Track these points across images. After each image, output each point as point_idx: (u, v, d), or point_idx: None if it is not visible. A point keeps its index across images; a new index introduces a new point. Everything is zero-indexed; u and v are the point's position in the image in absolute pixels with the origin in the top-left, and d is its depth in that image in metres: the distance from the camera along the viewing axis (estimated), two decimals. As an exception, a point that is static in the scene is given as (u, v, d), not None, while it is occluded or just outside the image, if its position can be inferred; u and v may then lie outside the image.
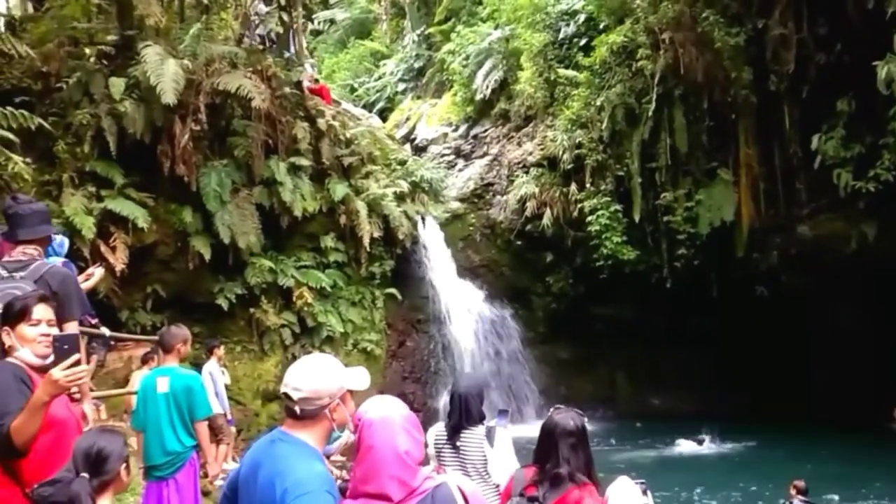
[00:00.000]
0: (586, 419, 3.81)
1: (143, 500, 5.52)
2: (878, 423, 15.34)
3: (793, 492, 10.48)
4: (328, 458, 12.53)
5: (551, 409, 3.85)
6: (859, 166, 14.09)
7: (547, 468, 3.54)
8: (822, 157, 14.50)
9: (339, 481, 8.86)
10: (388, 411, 2.39)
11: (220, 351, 10.30)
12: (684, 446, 15.67)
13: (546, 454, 3.57)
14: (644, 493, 4.27)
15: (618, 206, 17.66)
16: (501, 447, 4.50)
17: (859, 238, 15.20)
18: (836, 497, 11.19)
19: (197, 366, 12.71)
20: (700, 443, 15.44)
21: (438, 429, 4.70)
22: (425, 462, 3.68)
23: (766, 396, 16.62)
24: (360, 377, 2.62)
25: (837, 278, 15.77)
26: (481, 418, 4.62)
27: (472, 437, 4.50)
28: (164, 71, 12.44)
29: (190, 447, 5.55)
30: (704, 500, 11.67)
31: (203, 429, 5.64)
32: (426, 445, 2.48)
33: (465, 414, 4.53)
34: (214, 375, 9.62)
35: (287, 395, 2.46)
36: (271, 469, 2.37)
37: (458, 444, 4.49)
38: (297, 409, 2.44)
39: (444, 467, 4.30)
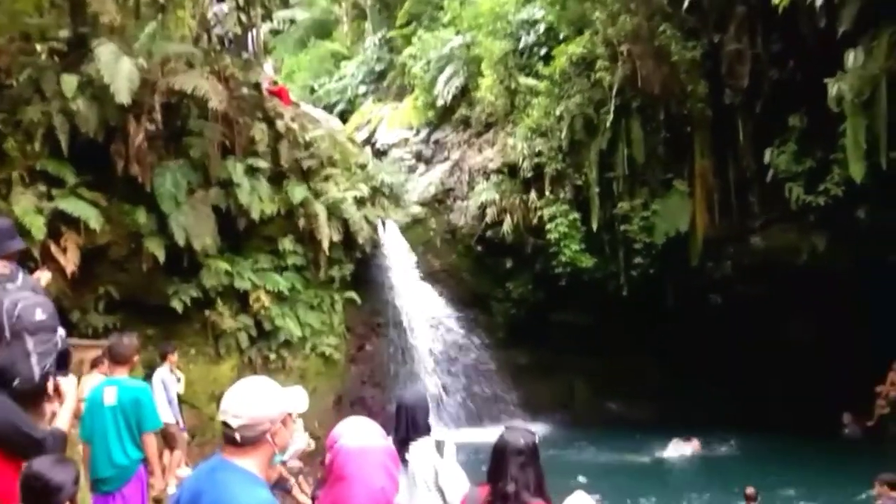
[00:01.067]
0: (537, 437, 3.85)
1: (89, 515, 5.42)
2: (830, 431, 15.80)
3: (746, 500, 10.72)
4: (283, 464, 12.41)
5: (504, 428, 3.89)
6: (810, 180, 14.40)
7: (498, 487, 3.59)
8: (774, 171, 14.80)
9: (290, 481, 8.72)
10: (367, 441, 2.33)
11: (175, 356, 10.13)
12: (674, 448, 15.76)
13: (497, 473, 3.60)
14: None
15: (576, 215, 17.82)
16: (450, 461, 4.50)
17: (810, 249, 15.56)
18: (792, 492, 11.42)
19: (150, 369, 12.56)
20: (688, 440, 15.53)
21: None
22: None
23: (722, 404, 16.87)
24: (299, 399, 2.60)
25: (789, 288, 16.11)
26: (428, 430, 4.61)
27: (422, 450, 4.49)
28: (118, 69, 12.20)
29: (137, 460, 5.43)
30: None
31: (151, 441, 5.53)
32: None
33: (411, 426, 4.52)
34: (167, 382, 9.46)
35: (226, 424, 2.40)
36: (213, 498, 2.32)
37: (406, 457, 4.47)
38: (237, 436, 2.38)
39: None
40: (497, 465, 3.60)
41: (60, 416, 3.54)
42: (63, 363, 3.66)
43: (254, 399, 2.42)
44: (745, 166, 15.83)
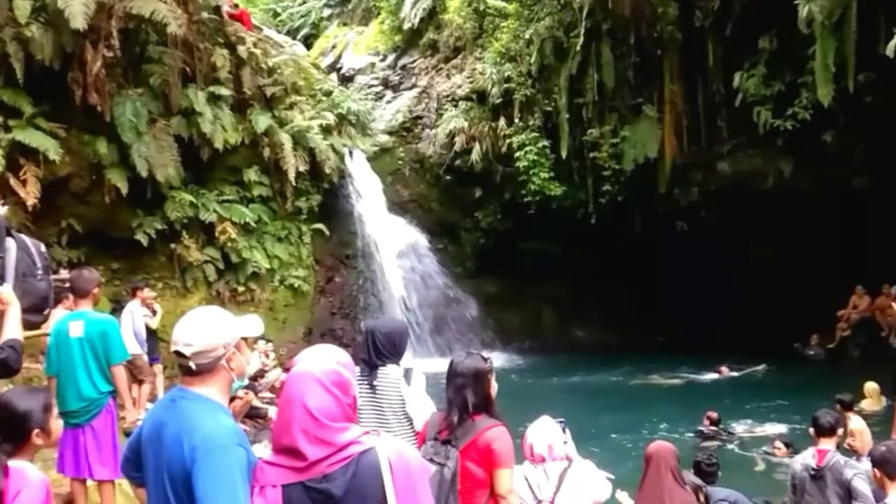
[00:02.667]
0: (492, 359, 4.00)
1: (59, 448, 5.35)
2: (794, 352, 16.25)
3: (706, 422, 11.07)
4: (257, 394, 12.50)
5: (460, 354, 4.00)
6: (778, 104, 14.42)
7: (451, 410, 3.70)
8: (743, 95, 14.79)
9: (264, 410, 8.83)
10: (309, 366, 2.30)
11: (145, 292, 10.01)
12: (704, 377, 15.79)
13: (450, 397, 3.74)
14: (563, 430, 4.45)
15: (545, 142, 17.73)
16: (418, 389, 4.52)
17: (776, 174, 15.70)
18: (749, 421, 11.77)
19: (116, 303, 12.43)
20: (720, 373, 15.60)
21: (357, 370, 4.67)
22: None
23: (687, 330, 17.22)
24: (252, 324, 2.57)
25: (754, 214, 16.31)
26: (395, 356, 4.59)
27: (389, 376, 4.48)
28: (72, -7, 11.67)
29: (106, 393, 5.38)
30: (622, 427, 12.07)
31: (120, 373, 5.47)
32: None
33: (373, 350, 4.50)
34: (135, 314, 9.37)
35: (179, 353, 2.36)
36: (176, 427, 2.29)
37: (374, 383, 4.46)
38: (192, 364, 2.35)
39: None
40: (448, 390, 3.77)
41: (10, 325, 3.49)
42: None
43: (204, 326, 2.39)
44: (715, 90, 15.79)
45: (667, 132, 16.63)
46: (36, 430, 2.98)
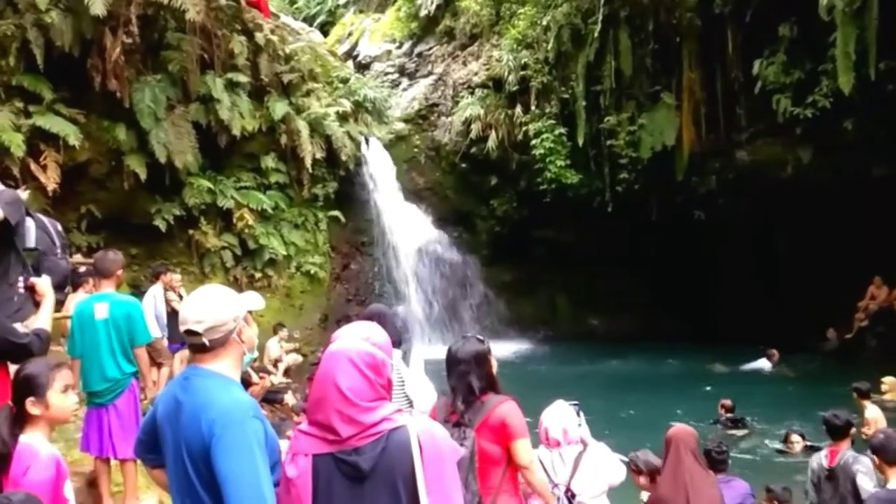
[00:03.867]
0: (489, 343, 4.06)
1: (84, 426, 5.46)
2: (811, 344, 16.12)
3: (721, 410, 11.08)
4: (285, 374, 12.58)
5: (457, 341, 4.07)
6: (798, 92, 14.30)
7: (456, 397, 3.78)
8: (762, 83, 14.68)
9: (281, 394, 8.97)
10: (343, 345, 2.33)
11: (168, 276, 10.09)
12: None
13: (453, 384, 3.84)
14: (577, 413, 4.49)
15: (562, 130, 17.65)
16: (416, 370, 4.58)
17: (795, 163, 15.59)
18: (764, 412, 11.73)
19: (135, 288, 12.55)
20: (770, 357, 15.37)
21: None
22: None
23: (701, 318, 17.17)
24: (255, 298, 2.63)
25: (773, 203, 16.21)
26: (397, 342, 4.65)
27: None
28: (91, -21, 11.74)
29: (130, 373, 5.46)
30: (639, 414, 12.08)
31: (143, 355, 5.55)
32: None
33: None
34: (157, 298, 9.46)
35: (190, 332, 2.40)
36: (193, 404, 2.33)
37: None
38: (204, 340, 2.39)
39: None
40: (449, 374, 3.87)
41: (41, 316, 3.58)
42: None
43: (213, 302, 2.43)
44: (734, 78, 15.66)
45: (685, 120, 16.53)
46: (31, 399, 2.99)
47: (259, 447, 2.25)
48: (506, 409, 3.73)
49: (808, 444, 9.48)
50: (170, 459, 2.41)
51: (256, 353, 6.28)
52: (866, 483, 5.37)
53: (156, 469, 2.61)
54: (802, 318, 15.36)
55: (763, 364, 15.31)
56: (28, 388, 2.99)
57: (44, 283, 3.71)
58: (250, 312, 2.57)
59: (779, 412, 11.63)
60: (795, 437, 9.87)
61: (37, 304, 3.66)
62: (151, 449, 2.55)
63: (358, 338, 2.39)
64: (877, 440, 5.00)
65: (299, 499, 2.23)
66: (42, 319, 3.56)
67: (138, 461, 5.50)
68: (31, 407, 2.99)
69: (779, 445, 10.09)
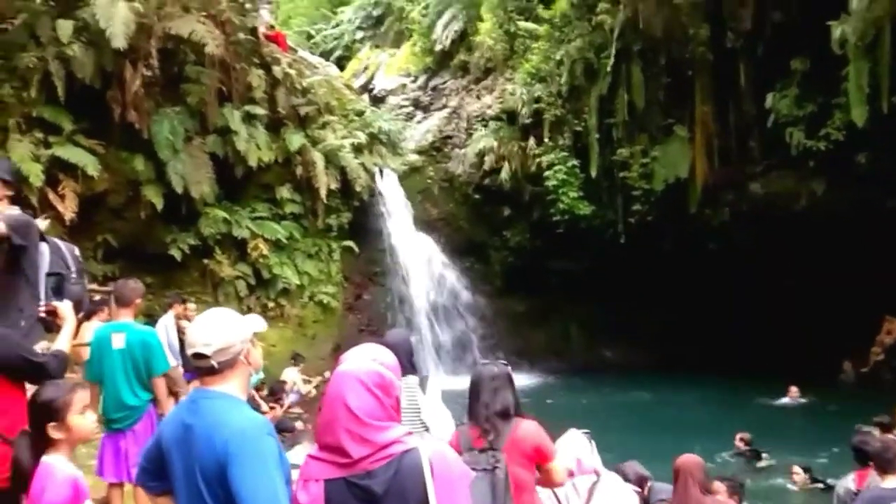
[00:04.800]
0: (510, 368, 3.97)
1: (100, 451, 5.48)
2: (827, 377, 15.91)
3: (740, 444, 10.99)
4: (288, 408, 12.61)
5: (483, 362, 4.04)
6: (811, 125, 14.34)
7: (475, 415, 3.70)
8: (775, 116, 14.73)
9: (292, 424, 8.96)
10: (351, 366, 2.34)
11: (181, 307, 10.14)
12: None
13: (474, 402, 3.75)
14: (589, 441, 4.47)
15: (575, 162, 17.75)
16: (433, 397, 4.58)
17: (808, 195, 15.56)
18: (779, 446, 11.59)
19: (148, 317, 12.61)
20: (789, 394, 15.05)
21: None
22: None
23: (715, 350, 17.02)
24: (258, 320, 2.67)
25: (786, 236, 16.16)
26: (412, 370, 4.67)
27: (404, 387, 4.53)
28: (113, 14, 12.03)
29: (146, 401, 5.49)
30: (653, 446, 11.96)
31: (160, 384, 5.57)
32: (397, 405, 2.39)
33: None
34: (169, 328, 9.50)
35: (198, 355, 2.41)
36: (204, 425, 2.33)
37: None
38: (213, 363, 2.40)
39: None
40: (474, 395, 3.75)
41: (61, 339, 3.62)
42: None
43: (220, 325, 2.46)
44: (746, 111, 15.74)
45: (698, 152, 16.58)
46: (53, 424, 3.01)
47: (275, 464, 2.26)
48: (533, 430, 3.66)
49: (812, 476, 9.46)
50: (180, 484, 2.39)
51: (263, 375, 6.30)
52: None
53: (161, 497, 2.57)
54: (817, 351, 15.21)
55: (782, 400, 15.16)
56: (48, 412, 3.01)
57: (65, 308, 3.76)
58: (255, 335, 2.61)
59: (797, 445, 11.50)
60: (797, 469, 9.81)
61: (57, 328, 3.71)
62: (155, 476, 2.53)
63: (366, 359, 2.40)
64: (874, 447, 5.00)
65: None
66: (61, 342, 3.59)
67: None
68: (53, 432, 3.01)
69: (782, 479, 10.05)
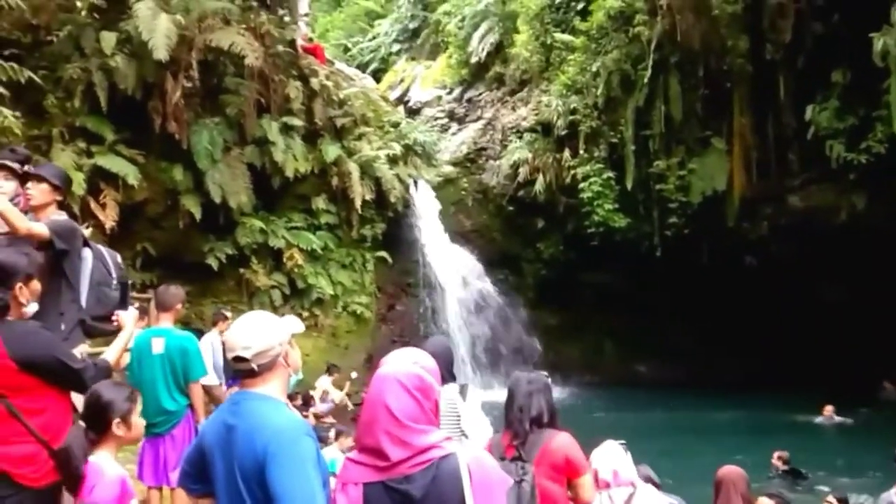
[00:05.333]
0: (549, 379, 4.02)
1: (140, 455, 5.57)
2: (867, 394, 15.57)
3: (778, 462, 10.76)
4: (319, 418, 12.62)
5: (521, 370, 4.05)
6: (852, 138, 14.12)
7: (509, 419, 3.70)
8: (815, 128, 14.53)
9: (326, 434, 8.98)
10: (392, 368, 2.34)
11: (224, 325, 10.16)
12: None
13: (509, 407, 3.75)
14: (626, 451, 4.43)
15: (610, 174, 17.65)
16: (473, 405, 4.56)
17: (849, 209, 15.30)
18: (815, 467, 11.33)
19: (184, 325, 12.77)
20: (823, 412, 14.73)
21: None
22: None
23: (753, 366, 16.77)
24: (296, 322, 2.70)
25: (826, 250, 15.88)
26: (451, 378, 4.66)
27: (444, 395, 4.52)
28: (156, 26, 12.24)
29: (184, 405, 5.57)
30: (690, 462, 11.79)
31: (197, 390, 5.64)
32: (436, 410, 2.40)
33: None
34: (215, 346, 9.46)
35: (239, 359, 2.45)
36: (246, 426, 2.37)
37: None
38: (253, 366, 2.44)
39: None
40: (510, 400, 3.76)
41: (113, 347, 3.63)
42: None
43: (259, 328, 2.49)
44: (786, 124, 15.54)
45: (736, 165, 16.40)
46: (117, 420, 3.09)
47: (313, 465, 2.29)
48: (566, 442, 3.65)
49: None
50: (221, 485, 2.42)
51: (302, 375, 6.29)
52: None
53: (202, 499, 2.61)
54: (857, 367, 14.91)
55: (819, 419, 14.85)
56: (114, 410, 3.09)
57: (127, 317, 3.81)
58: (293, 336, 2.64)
59: (837, 464, 11.25)
60: (831, 499, 9.51)
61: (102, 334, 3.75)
62: (197, 479, 2.57)
63: (407, 361, 2.41)
64: None
65: None
66: (112, 351, 3.60)
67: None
68: (117, 428, 3.10)
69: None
